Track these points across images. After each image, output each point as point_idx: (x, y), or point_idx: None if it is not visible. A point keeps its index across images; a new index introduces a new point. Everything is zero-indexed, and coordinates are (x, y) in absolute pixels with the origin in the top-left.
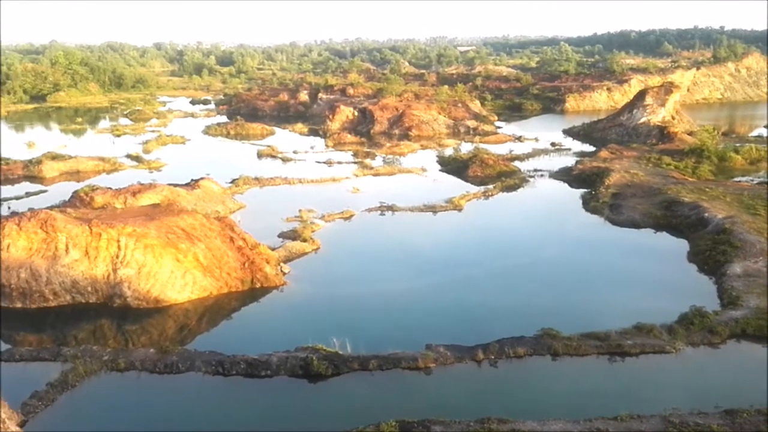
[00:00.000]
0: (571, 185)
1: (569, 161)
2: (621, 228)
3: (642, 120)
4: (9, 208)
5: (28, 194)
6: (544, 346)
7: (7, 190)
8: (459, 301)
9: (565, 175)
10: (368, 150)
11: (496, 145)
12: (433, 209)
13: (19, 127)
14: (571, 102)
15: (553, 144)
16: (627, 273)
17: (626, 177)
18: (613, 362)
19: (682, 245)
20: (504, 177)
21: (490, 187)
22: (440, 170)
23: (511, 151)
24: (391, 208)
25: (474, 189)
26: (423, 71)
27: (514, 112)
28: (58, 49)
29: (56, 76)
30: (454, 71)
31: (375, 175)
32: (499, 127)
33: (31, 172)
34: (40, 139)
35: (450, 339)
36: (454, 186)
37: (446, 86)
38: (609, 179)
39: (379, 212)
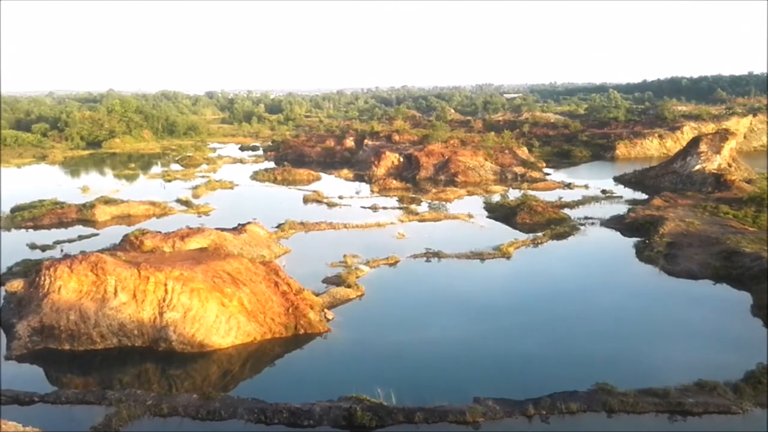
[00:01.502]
0: (623, 234)
1: (621, 209)
2: (677, 279)
3: (696, 167)
4: (62, 250)
5: (80, 237)
6: (599, 402)
7: (61, 233)
8: (508, 352)
9: (616, 223)
10: (414, 195)
11: (545, 192)
12: (480, 256)
13: (75, 172)
14: (621, 149)
15: (603, 191)
16: (686, 325)
17: (681, 226)
18: (673, 421)
19: (745, 298)
20: (553, 224)
21: (540, 234)
22: (487, 217)
23: (560, 198)
24: (438, 255)
25: (522, 236)
26: (469, 118)
27: (562, 158)
28: (114, 98)
29: (112, 124)
30: (500, 118)
31: (420, 220)
32: (547, 174)
33: (84, 215)
34: (95, 184)
35: (499, 392)
36: (502, 233)
37: (492, 133)
38: (663, 228)
39: (425, 259)
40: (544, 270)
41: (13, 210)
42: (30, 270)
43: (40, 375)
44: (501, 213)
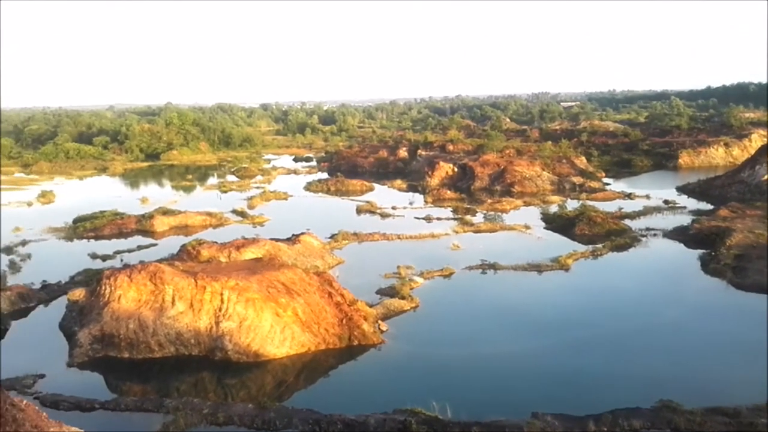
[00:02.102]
0: (687, 245)
1: (684, 220)
2: (746, 293)
3: (766, 177)
4: (122, 260)
5: (139, 247)
6: (663, 419)
7: (121, 243)
8: (567, 366)
9: (680, 234)
10: (468, 206)
11: (604, 203)
12: (537, 268)
13: (134, 184)
14: (684, 158)
15: (666, 202)
16: (757, 342)
17: (751, 237)
18: None
19: None
20: (614, 236)
21: (599, 246)
22: (545, 228)
23: (620, 209)
24: (493, 267)
25: (581, 248)
26: (525, 127)
27: (622, 168)
28: (172, 111)
29: (170, 136)
30: (557, 127)
31: (476, 231)
32: (606, 184)
33: (143, 226)
34: (153, 195)
35: (557, 407)
36: (560, 244)
37: (549, 142)
38: (731, 239)
39: (481, 270)
40: (604, 283)
41: (76, 221)
42: (91, 279)
43: (100, 382)
44: (559, 224)
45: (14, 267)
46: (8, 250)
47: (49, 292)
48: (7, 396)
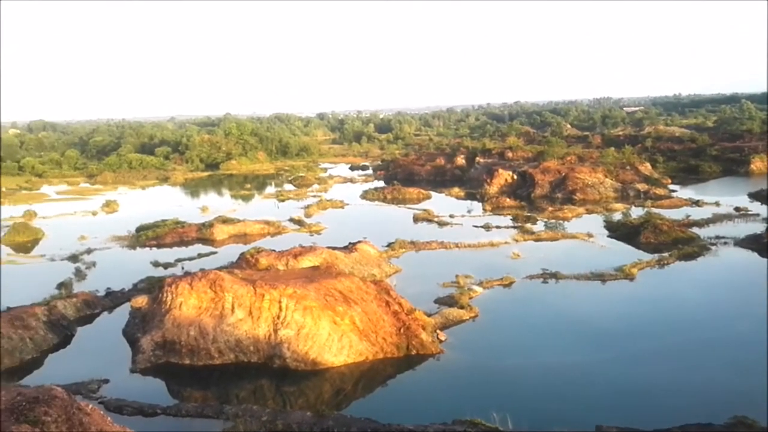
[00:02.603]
0: (761, 254)
1: (758, 228)
2: None
3: None
4: (183, 268)
5: (200, 255)
6: None
7: (182, 251)
8: (633, 378)
9: (753, 243)
10: (529, 214)
11: (671, 210)
12: (601, 277)
13: (195, 193)
14: (757, 163)
15: (737, 209)
16: None
17: None
18: None
19: None
20: (681, 244)
21: (666, 254)
22: (608, 236)
23: (688, 217)
24: (555, 276)
25: (647, 257)
26: (586, 133)
27: (689, 174)
28: (231, 121)
29: (229, 146)
30: (620, 133)
31: (536, 240)
32: (673, 191)
33: (203, 234)
34: (213, 204)
35: (623, 420)
36: (624, 253)
37: (612, 148)
38: None
39: (542, 279)
40: (672, 293)
41: (138, 229)
42: (153, 286)
43: (162, 388)
44: (623, 232)
45: (80, 274)
46: (74, 258)
47: (113, 299)
48: (74, 400)
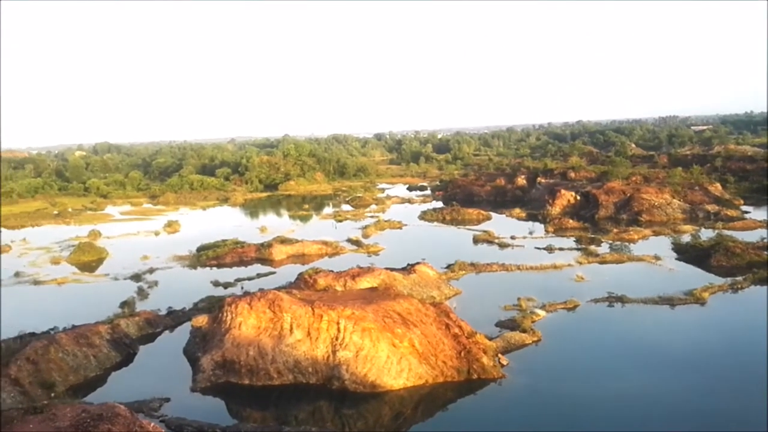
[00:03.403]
0: None
1: None
2: None
3: None
4: (242, 288)
5: (259, 275)
6: None
7: (242, 271)
8: (702, 409)
9: None
10: (592, 236)
11: (744, 232)
12: (669, 302)
13: (254, 214)
14: None
15: None
16: None
17: None
18: None
19: None
20: (756, 268)
21: (739, 278)
22: (676, 259)
23: (763, 239)
24: (621, 299)
25: (719, 280)
26: (652, 153)
27: (764, 195)
28: (290, 142)
29: (287, 167)
30: (688, 152)
31: (601, 262)
32: (746, 212)
33: (262, 254)
34: (271, 225)
35: None
36: (694, 276)
37: (680, 168)
38: None
39: (607, 303)
40: (747, 319)
41: (199, 249)
42: (213, 306)
43: (221, 407)
44: (692, 255)
45: (142, 293)
46: (137, 277)
47: (174, 318)
48: (136, 418)
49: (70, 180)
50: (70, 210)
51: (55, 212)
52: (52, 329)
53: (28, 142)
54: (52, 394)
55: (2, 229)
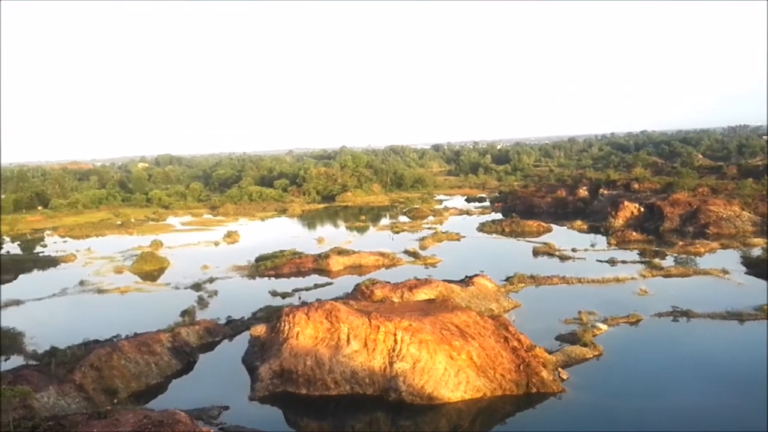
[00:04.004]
0: None
1: None
2: None
3: None
4: (300, 298)
5: (316, 286)
6: None
7: (299, 282)
8: None
9: None
10: (657, 248)
11: None
12: (738, 317)
13: (311, 225)
14: None
15: None
16: None
17: None
18: None
19: None
20: None
21: None
22: (746, 273)
23: None
24: (686, 314)
25: None
26: (720, 164)
27: None
28: (347, 154)
29: (344, 178)
30: (759, 162)
31: (665, 276)
32: None
33: (319, 265)
34: (329, 236)
35: None
36: (765, 291)
37: (750, 179)
38: None
39: (672, 318)
40: None
41: (258, 259)
42: (271, 316)
43: (279, 417)
44: (763, 268)
45: (202, 302)
46: (197, 286)
47: (233, 327)
48: (196, 425)
49: (133, 191)
50: (132, 220)
51: (119, 222)
52: (115, 337)
53: (92, 153)
54: (115, 400)
55: (67, 239)
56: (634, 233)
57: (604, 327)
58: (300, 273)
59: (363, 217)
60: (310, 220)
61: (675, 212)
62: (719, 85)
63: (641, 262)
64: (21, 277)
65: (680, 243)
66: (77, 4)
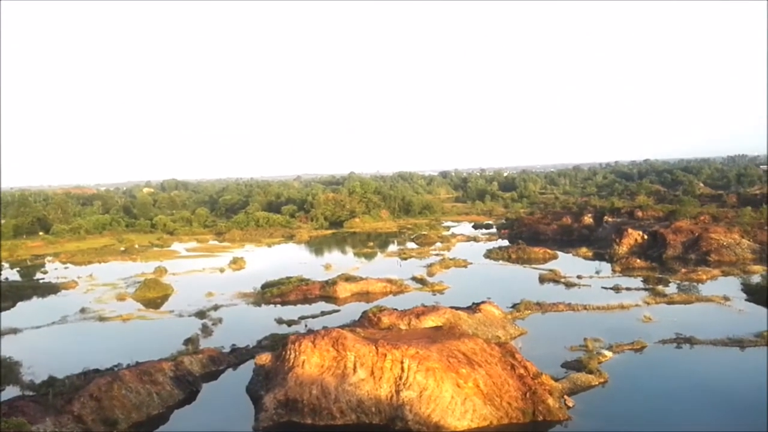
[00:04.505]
0: None
1: None
2: None
3: None
4: (306, 325)
5: (323, 313)
6: None
7: (306, 309)
8: None
9: None
10: (660, 276)
11: None
12: (740, 344)
13: (319, 251)
14: None
15: None
16: None
17: None
18: None
19: None
20: None
21: None
22: (746, 299)
23: None
24: (690, 341)
25: None
26: (720, 192)
27: None
28: (355, 180)
29: (353, 204)
30: (757, 191)
31: (669, 303)
32: None
33: (326, 292)
34: (336, 262)
35: None
36: (764, 318)
37: (749, 207)
38: None
39: (675, 344)
40: None
41: (264, 286)
42: (277, 344)
43: None
44: (763, 295)
45: (206, 330)
46: (201, 314)
47: (237, 356)
48: None
49: (138, 216)
50: (136, 246)
51: (122, 248)
52: (116, 366)
53: (96, 178)
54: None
55: (69, 265)
56: (638, 260)
57: (609, 354)
58: (307, 300)
59: (371, 244)
60: (317, 246)
61: (677, 240)
62: (720, 117)
63: (645, 289)
64: (20, 304)
65: (683, 270)
66: (83, 27)
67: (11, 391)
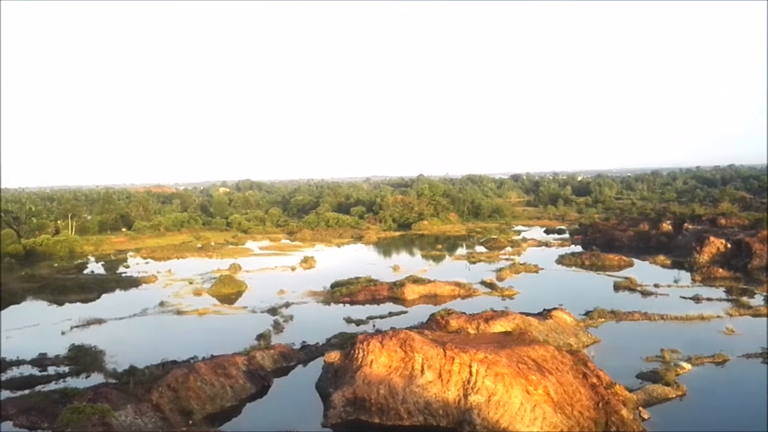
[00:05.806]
0: None
1: None
2: None
3: None
4: (374, 326)
5: (390, 314)
6: None
7: (374, 309)
8: None
9: None
10: (745, 286)
11: None
12: None
13: (387, 252)
14: None
15: None
16: None
17: None
18: None
19: None
20: None
21: None
22: None
23: None
24: None
25: None
26: None
27: None
28: (424, 182)
29: (421, 207)
30: None
31: (754, 315)
32: None
33: (394, 293)
34: (404, 264)
35: None
36: None
37: None
38: None
39: (761, 359)
40: None
41: (333, 286)
42: (346, 342)
43: None
44: None
45: (278, 327)
46: (273, 311)
47: (307, 353)
48: None
49: (214, 215)
50: (212, 243)
51: (199, 245)
52: (192, 358)
53: (176, 178)
54: (190, 421)
55: (149, 260)
56: (721, 270)
57: (687, 366)
58: (375, 300)
59: (439, 246)
60: (385, 247)
61: (764, 249)
62: None
63: (728, 300)
64: (104, 296)
65: None
66: (166, 36)
67: (95, 378)
